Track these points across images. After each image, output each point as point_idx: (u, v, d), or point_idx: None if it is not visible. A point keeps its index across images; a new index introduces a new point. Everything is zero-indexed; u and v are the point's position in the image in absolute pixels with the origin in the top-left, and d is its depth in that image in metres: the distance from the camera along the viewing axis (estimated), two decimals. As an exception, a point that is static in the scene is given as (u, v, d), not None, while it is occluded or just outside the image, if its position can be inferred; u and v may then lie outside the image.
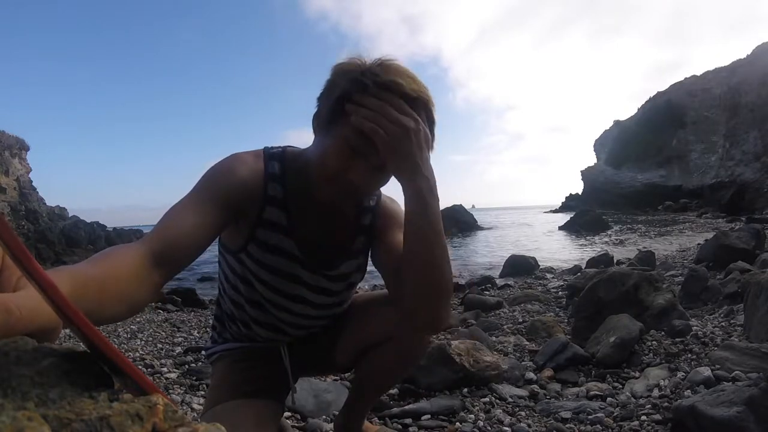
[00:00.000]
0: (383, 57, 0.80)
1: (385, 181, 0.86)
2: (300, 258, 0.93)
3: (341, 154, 0.79)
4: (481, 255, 10.17)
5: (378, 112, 0.75)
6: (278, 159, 0.90)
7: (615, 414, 1.41)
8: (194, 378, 1.97)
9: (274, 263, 0.93)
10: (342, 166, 0.79)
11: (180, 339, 2.93)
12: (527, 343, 2.32)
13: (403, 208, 0.93)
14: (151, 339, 2.92)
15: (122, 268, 0.61)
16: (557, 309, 3.36)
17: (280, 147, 0.93)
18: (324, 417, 1.49)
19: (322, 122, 0.83)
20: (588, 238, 13.72)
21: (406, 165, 0.78)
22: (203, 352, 2.39)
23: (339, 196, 0.84)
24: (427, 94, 0.80)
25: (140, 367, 2.18)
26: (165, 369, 2.13)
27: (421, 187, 0.79)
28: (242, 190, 0.83)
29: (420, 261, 0.81)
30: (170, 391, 1.82)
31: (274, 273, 0.93)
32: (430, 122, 0.82)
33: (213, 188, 0.80)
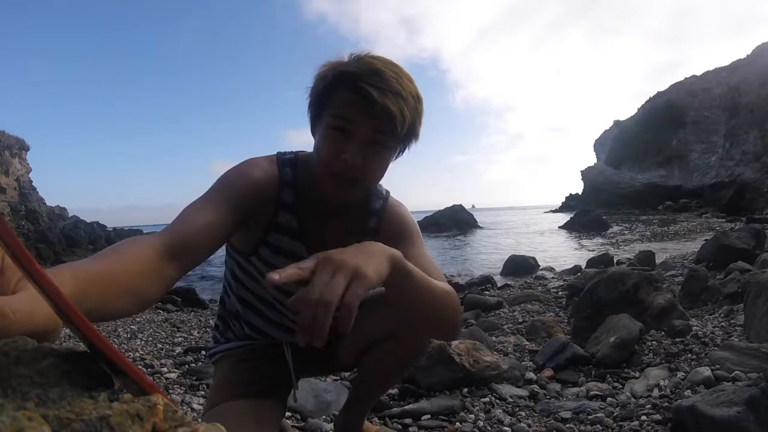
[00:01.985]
0: (360, 52, 0.83)
1: (385, 158, 0.86)
2: None
3: (329, 139, 0.82)
4: (481, 255, 10.17)
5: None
6: (291, 165, 0.93)
7: (615, 414, 1.41)
8: (194, 378, 1.97)
9: (283, 266, 0.93)
10: (334, 150, 0.81)
11: (180, 339, 2.93)
12: (527, 343, 2.32)
13: (409, 212, 1.02)
14: (151, 339, 2.92)
15: (133, 261, 0.60)
16: (557, 309, 3.36)
17: (292, 152, 0.96)
18: (324, 417, 1.49)
19: (311, 124, 0.88)
20: (588, 238, 13.72)
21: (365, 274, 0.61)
22: (203, 352, 2.40)
23: (343, 188, 0.84)
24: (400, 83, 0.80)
25: (140, 367, 2.18)
26: (165, 369, 2.13)
27: (392, 272, 0.68)
28: (257, 194, 0.85)
29: (426, 316, 0.80)
30: (170, 391, 1.82)
31: None
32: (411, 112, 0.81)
33: (229, 190, 0.82)
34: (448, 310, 0.80)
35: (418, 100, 0.84)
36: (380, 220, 1.01)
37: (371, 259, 0.63)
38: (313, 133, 0.89)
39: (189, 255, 0.70)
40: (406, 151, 0.91)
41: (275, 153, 0.95)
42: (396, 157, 0.91)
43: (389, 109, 0.78)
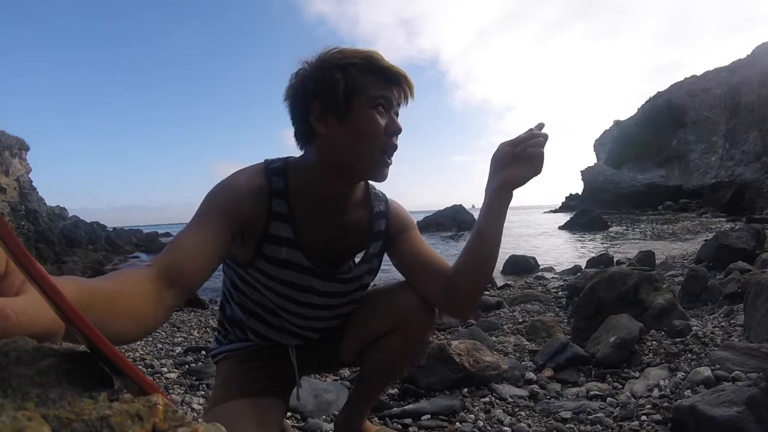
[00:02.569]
0: (338, 46, 0.88)
1: None
2: (311, 268, 0.94)
3: (378, 117, 0.85)
4: (481, 255, 10.15)
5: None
6: (280, 173, 0.91)
7: (615, 414, 1.41)
8: (194, 378, 1.97)
9: (286, 276, 0.93)
10: (380, 125, 0.85)
11: (180, 339, 2.93)
12: (527, 343, 2.32)
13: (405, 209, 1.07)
14: (151, 339, 2.92)
15: (133, 287, 0.61)
16: (557, 309, 3.36)
17: (281, 159, 0.94)
18: (324, 417, 1.49)
19: (337, 113, 0.85)
20: (588, 237, 13.72)
21: (530, 176, 0.86)
22: (203, 352, 2.40)
23: (388, 164, 0.89)
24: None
25: (140, 367, 2.18)
26: (165, 369, 2.13)
27: (510, 199, 0.88)
28: (246, 207, 0.85)
29: (485, 262, 0.90)
30: (170, 391, 1.82)
31: (285, 285, 0.95)
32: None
33: (217, 207, 0.82)
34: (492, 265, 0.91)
35: None
36: (387, 222, 1.02)
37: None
38: (328, 126, 0.85)
39: (185, 280, 0.70)
40: None
41: (263, 161, 0.94)
42: None
43: (412, 83, 0.89)
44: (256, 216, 0.87)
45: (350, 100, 0.84)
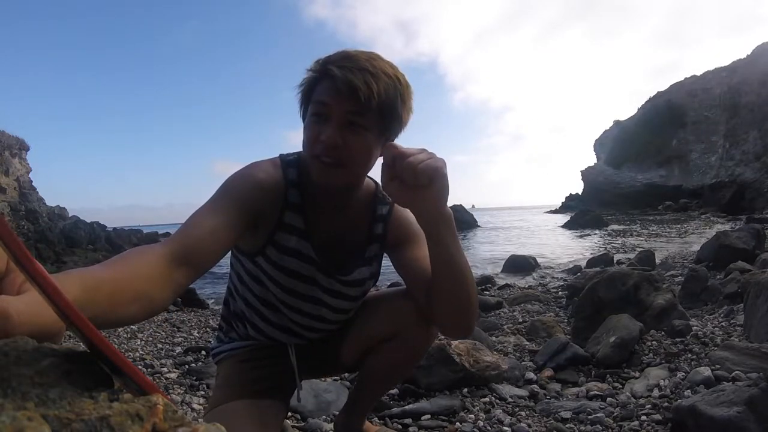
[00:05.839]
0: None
1: (367, 140, 0.84)
2: (316, 261, 0.95)
3: (311, 125, 0.84)
4: (481, 255, 10.17)
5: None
6: (294, 165, 0.94)
7: (615, 414, 1.41)
8: (194, 378, 1.97)
9: (291, 265, 0.94)
10: (315, 133, 0.83)
11: (180, 339, 2.93)
12: (527, 343, 2.32)
13: (413, 216, 0.99)
14: (151, 339, 2.92)
15: (140, 268, 0.61)
16: (557, 309, 3.36)
17: (294, 154, 0.96)
18: (324, 417, 1.49)
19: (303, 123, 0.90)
20: (588, 237, 13.73)
21: (442, 192, 0.78)
22: (203, 352, 2.40)
23: (328, 171, 0.83)
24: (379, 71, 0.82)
25: (140, 367, 2.18)
26: (165, 369, 2.13)
27: (451, 216, 0.83)
28: (263, 196, 0.86)
29: (452, 284, 0.86)
30: (170, 391, 1.82)
31: (290, 275, 0.95)
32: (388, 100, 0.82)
33: (234, 194, 0.83)
34: (472, 286, 0.87)
35: (397, 80, 0.83)
36: (386, 226, 1.02)
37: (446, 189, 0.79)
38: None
39: (197, 260, 0.70)
40: (393, 136, 0.89)
41: (278, 155, 0.96)
42: (383, 142, 0.86)
43: (352, 83, 0.78)
44: (272, 206, 0.90)
45: (306, 107, 0.87)
